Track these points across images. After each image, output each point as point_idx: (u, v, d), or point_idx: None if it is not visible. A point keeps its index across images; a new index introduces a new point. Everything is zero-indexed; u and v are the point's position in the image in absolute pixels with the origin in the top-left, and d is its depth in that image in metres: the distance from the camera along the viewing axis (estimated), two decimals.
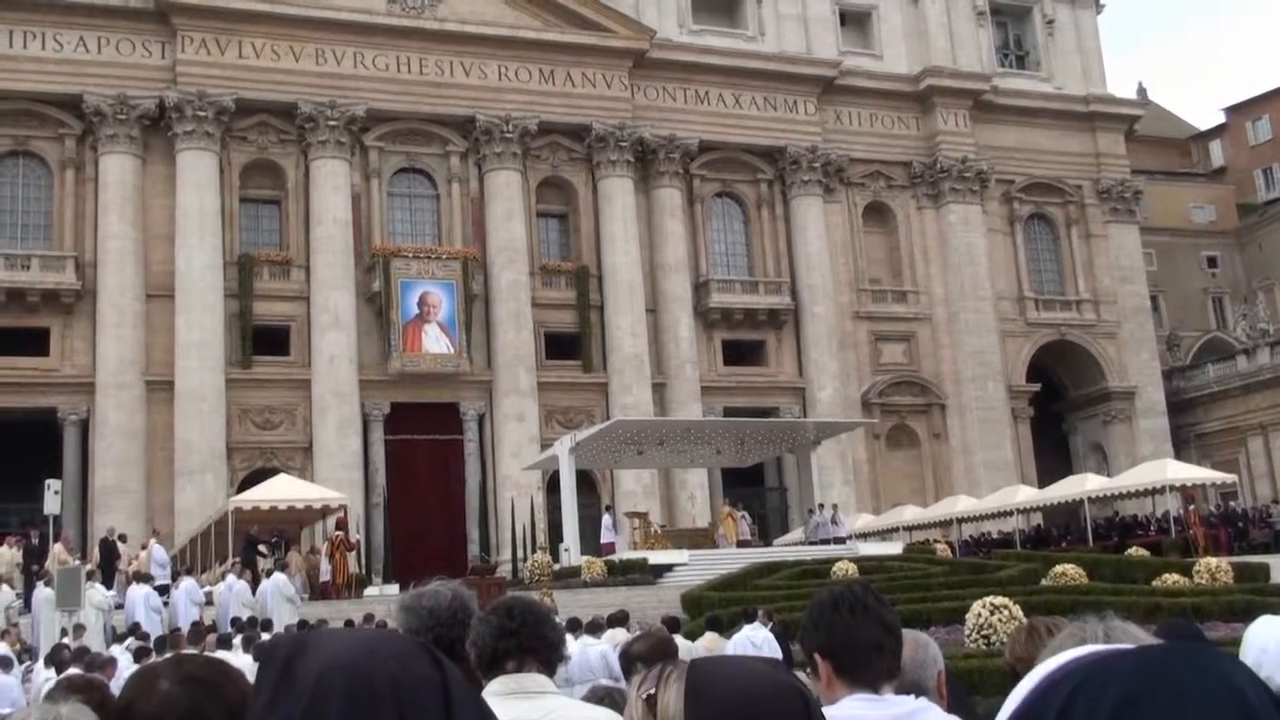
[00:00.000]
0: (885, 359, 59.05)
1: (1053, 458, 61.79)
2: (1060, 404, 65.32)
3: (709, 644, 17.03)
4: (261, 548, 34.97)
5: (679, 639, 16.74)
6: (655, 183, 55.67)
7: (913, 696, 3.42)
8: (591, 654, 16.38)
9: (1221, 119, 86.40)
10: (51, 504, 33.54)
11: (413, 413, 49.88)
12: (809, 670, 3.56)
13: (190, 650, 16.31)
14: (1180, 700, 1.41)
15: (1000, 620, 19.30)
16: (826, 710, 3.31)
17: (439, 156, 53.08)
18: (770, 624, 19.31)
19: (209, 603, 30.02)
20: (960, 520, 52.33)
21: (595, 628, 17.82)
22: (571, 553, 38.79)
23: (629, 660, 6.82)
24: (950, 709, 3.68)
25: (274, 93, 49.92)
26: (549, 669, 4.03)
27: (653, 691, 2.07)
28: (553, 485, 43.97)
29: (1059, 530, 52.18)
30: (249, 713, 1.69)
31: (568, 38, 54.15)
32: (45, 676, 17.65)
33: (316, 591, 35.23)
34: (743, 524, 43.77)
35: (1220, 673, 1.44)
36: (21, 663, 22.69)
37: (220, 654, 17.13)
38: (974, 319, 59.43)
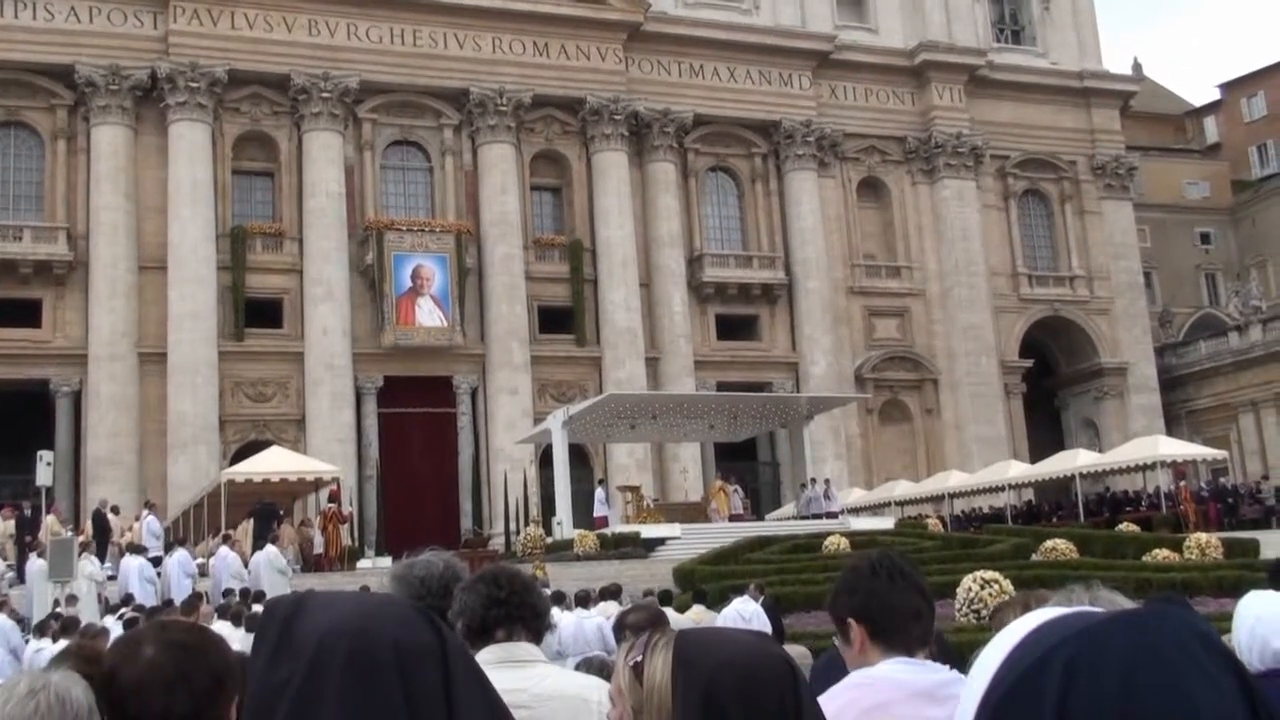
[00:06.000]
0: (879, 334, 59.06)
1: (1045, 433, 61.87)
2: (1053, 380, 65.40)
3: (696, 616, 17.11)
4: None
5: (669, 612, 16.84)
6: (649, 157, 55.50)
7: (946, 666, 3.47)
8: (587, 626, 16.44)
9: (1217, 95, 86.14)
10: (44, 475, 33.45)
11: (406, 386, 49.84)
12: (836, 636, 3.60)
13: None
14: (1182, 663, 1.41)
15: (990, 594, 19.35)
16: (866, 671, 3.37)
17: (432, 129, 52.87)
18: (760, 598, 19.37)
19: (203, 574, 30.07)
20: (952, 495, 52.47)
21: (584, 600, 17.88)
22: (564, 526, 38.83)
23: (623, 630, 6.90)
24: None
25: (267, 64, 49.67)
26: (537, 638, 4.04)
27: (640, 659, 2.07)
28: (546, 459, 43.95)
29: (1050, 505, 52.36)
30: (248, 671, 1.70)
31: (562, 10, 53.85)
32: (35, 647, 17.70)
33: (309, 564, 35.30)
34: (735, 498, 43.84)
35: (1204, 630, 1.46)
36: None
37: (218, 625, 17.23)
38: (967, 294, 59.40)
